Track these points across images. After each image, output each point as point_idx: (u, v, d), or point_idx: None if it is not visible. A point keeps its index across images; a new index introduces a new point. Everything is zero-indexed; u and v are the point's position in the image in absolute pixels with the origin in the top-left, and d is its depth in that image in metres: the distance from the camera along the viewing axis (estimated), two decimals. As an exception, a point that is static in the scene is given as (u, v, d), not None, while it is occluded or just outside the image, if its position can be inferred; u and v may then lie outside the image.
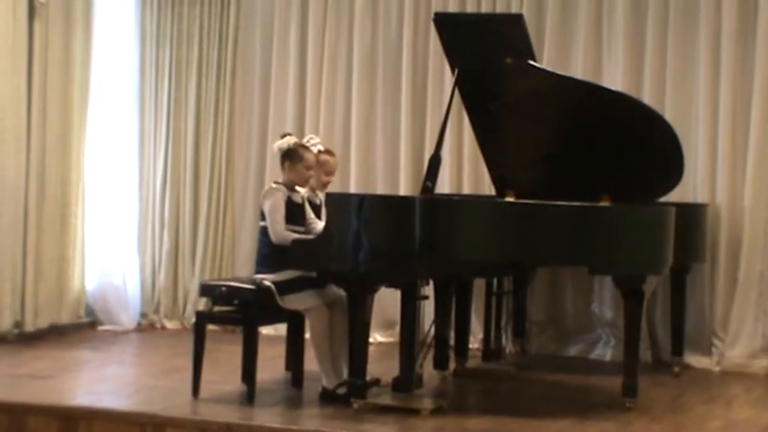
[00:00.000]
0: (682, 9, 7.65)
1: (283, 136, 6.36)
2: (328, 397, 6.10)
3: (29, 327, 7.90)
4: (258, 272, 6.21)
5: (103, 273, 8.63)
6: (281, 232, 6.07)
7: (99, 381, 6.69)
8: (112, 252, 8.66)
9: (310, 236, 6.13)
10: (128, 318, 8.62)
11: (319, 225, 6.21)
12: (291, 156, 6.24)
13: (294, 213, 6.17)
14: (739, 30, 7.48)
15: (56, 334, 8.09)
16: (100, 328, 8.54)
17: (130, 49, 8.80)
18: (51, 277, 8.13)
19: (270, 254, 6.14)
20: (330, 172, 6.59)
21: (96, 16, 8.43)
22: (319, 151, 6.49)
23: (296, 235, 6.09)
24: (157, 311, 8.83)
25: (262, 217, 6.19)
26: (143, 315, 8.81)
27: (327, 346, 6.14)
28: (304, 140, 6.55)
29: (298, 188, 6.30)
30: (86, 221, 8.43)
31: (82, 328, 8.44)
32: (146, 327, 8.74)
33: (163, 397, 6.18)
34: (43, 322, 8.05)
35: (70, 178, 8.24)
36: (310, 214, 6.34)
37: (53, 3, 7.99)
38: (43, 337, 7.94)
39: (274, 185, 6.23)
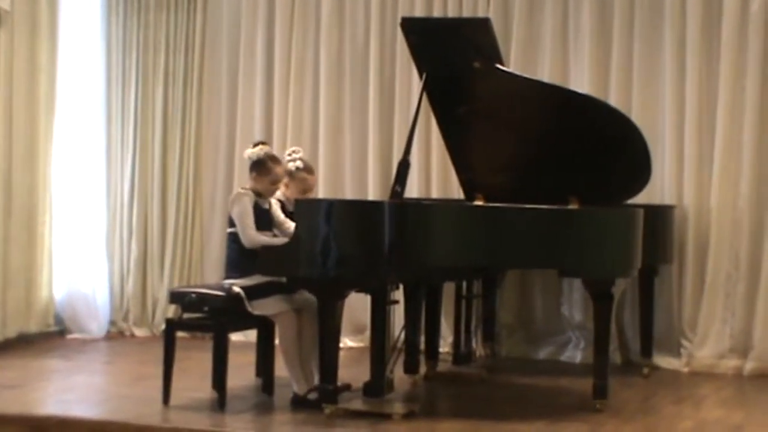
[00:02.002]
0: (648, 11, 7.70)
1: (256, 144, 6.34)
2: (299, 403, 6.09)
3: (-3, 337, 7.86)
4: (228, 277, 6.20)
5: (72, 281, 8.58)
6: (253, 236, 6.06)
7: (69, 390, 6.65)
8: (81, 260, 8.61)
9: (282, 239, 6.10)
10: (97, 326, 8.58)
11: (292, 225, 6.19)
12: (259, 167, 6.23)
13: (261, 219, 6.17)
14: (703, 32, 7.54)
15: (25, 344, 8.03)
16: (69, 336, 8.50)
17: (96, 57, 8.76)
18: (19, 286, 8.07)
19: (239, 259, 6.13)
20: (307, 190, 6.56)
21: (61, 24, 8.39)
22: (297, 168, 6.48)
23: (268, 239, 6.08)
24: (126, 319, 8.79)
25: (231, 223, 6.18)
26: (112, 323, 8.77)
27: (296, 352, 6.14)
28: (287, 152, 6.56)
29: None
30: (54, 230, 8.38)
31: (51, 336, 8.40)
32: (115, 335, 8.70)
33: (133, 405, 6.15)
34: (12, 332, 8.00)
35: (37, 187, 8.19)
36: (280, 216, 6.33)
37: (18, 11, 7.94)
38: (12, 346, 7.88)
39: (241, 190, 6.22)
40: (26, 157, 8.10)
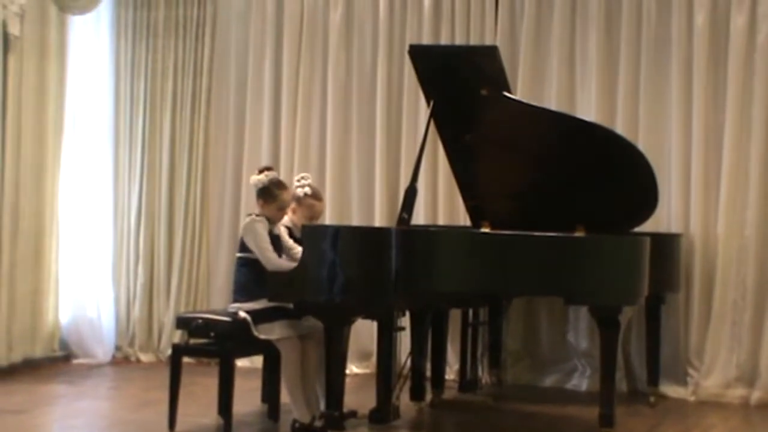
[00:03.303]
0: (654, 39, 7.72)
1: (262, 170, 6.33)
2: (300, 430, 6.07)
3: (2, 361, 7.82)
4: (235, 301, 6.20)
5: (78, 306, 8.58)
6: (274, 258, 6.06)
7: (74, 415, 6.64)
8: (87, 285, 8.61)
9: (291, 265, 6.10)
10: (103, 351, 8.57)
11: (300, 251, 6.18)
12: (265, 195, 6.22)
13: (273, 244, 6.15)
14: (710, 60, 7.56)
15: (30, 369, 8.02)
16: (75, 361, 8.48)
17: (105, 82, 8.80)
18: (25, 310, 8.07)
19: (247, 284, 6.13)
20: (314, 217, 6.56)
21: (70, 49, 8.42)
22: (306, 195, 6.48)
23: (288, 263, 6.06)
24: (132, 344, 8.78)
25: (241, 248, 6.18)
26: (118, 348, 8.76)
27: (298, 379, 6.11)
28: (296, 179, 6.57)
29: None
30: (60, 254, 8.38)
31: (57, 361, 8.38)
32: (121, 360, 8.69)
33: (139, 431, 6.15)
34: (17, 357, 7.99)
35: (44, 212, 8.21)
36: (288, 241, 6.33)
37: (27, 36, 7.97)
38: (17, 371, 7.87)
39: (256, 217, 6.19)
40: (34, 182, 8.12)
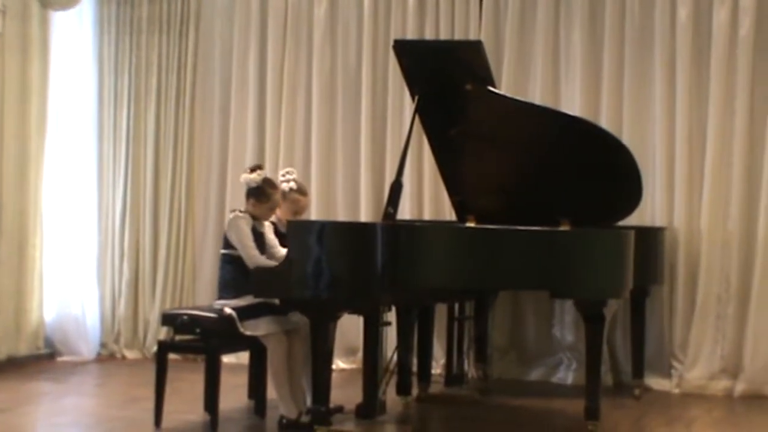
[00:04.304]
0: (638, 34, 7.75)
1: (254, 169, 6.31)
2: (287, 426, 6.07)
3: (-13, 359, 7.84)
4: (220, 298, 6.19)
5: (62, 303, 8.56)
6: (257, 257, 6.05)
7: (59, 413, 6.63)
8: (71, 282, 8.59)
9: (272, 263, 6.10)
10: (88, 348, 8.55)
11: (281, 250, 6.19)
12: (257, 194, 6.21)
13: (258, 242, 6.15)
14: (693, 55, 7.59)
15: (14, 366, 8.00)
16: (59, 359, 8.46)
17: (88, 78, 8.77)
18: (9, 308, 8.05)
19: (232, 280, 6.13)
20: (299, 212, 6.56)
21: (53, 45, 8.39)
22: (291, 189, 6.48)
23: (271, 262, 6.05)
24: (117, 341, 8.77)
25: (225, 244, 6.18)
26: (103, 345, 8.74)
27: (285, 374, 6.12)
28: (280, 173, 6.56)
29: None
30: (44, 252, 8.36)
31: (41, 359, 8.36)
32: (106, 357, 8.67)
33: (125, 427, 6.14)
34: (1, 354, 7.98)
35: (27, 209, 8.18)
36: (271, 239, 6.32)
37: (9, 32, 7.94)
38: (1, 369, 7.85)
39: (239, 214, 6.19)
40: (17, 179, 8.09)
